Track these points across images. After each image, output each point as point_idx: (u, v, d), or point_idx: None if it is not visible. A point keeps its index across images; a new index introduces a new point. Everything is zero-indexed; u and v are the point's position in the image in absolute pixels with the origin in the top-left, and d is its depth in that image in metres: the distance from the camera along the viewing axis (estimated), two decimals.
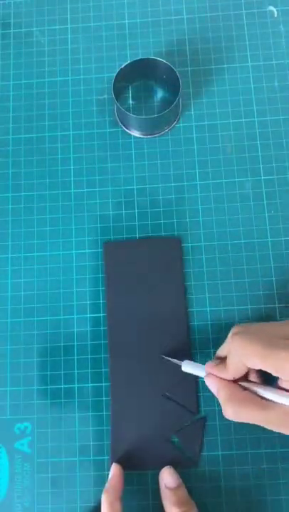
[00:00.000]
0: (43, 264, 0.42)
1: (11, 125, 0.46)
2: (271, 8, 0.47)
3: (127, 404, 0.38)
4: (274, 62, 0.45)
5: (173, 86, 0.44)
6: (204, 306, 0.40)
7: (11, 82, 0.47)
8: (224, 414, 0.32)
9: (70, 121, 0.45)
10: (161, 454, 0.37)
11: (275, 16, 0.47)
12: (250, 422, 0.31)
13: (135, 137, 0.44)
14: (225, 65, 0.46)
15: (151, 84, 0.46)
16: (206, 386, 0.39)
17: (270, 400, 0.31)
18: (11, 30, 0.48)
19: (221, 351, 0.35)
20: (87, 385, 0.40)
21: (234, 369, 0.32)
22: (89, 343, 0.40)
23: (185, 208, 0.42)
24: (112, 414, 0.38)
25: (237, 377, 0.33)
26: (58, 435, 0.39)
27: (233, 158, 0.43)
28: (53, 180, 0.44)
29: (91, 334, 0.40)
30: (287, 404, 0.31)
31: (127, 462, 0.37)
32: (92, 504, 0.37)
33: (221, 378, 0.33)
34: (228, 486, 0.37)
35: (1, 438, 0.39)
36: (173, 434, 0.38)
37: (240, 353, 0.31)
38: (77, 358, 0.40)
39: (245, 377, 0.33)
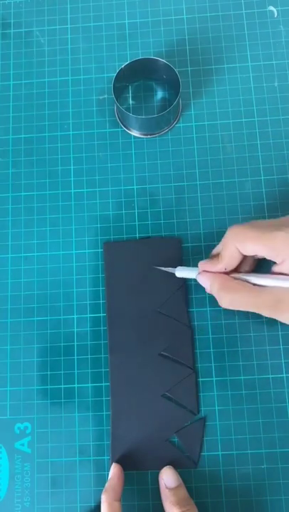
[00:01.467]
0: (43, 264, 0.42)
1: (11, 125, 0.46)
2: (271, 8, 0.47)
3: (127, 404, 0.38)
4: (274, 62, 0.45)
5: (173, 86, 0.44)
6: (204, 306, 0.40)
7: (11, 82, 0.47)
8: (220, 304, 0.34)
9: (70, 121, 0.45)
10: (161, 454, 0.38)
11: (275, 16, 0.47)
12: (244, 308, 0.33)
13: (135, 137, 0.44)
14: (225, 65, 0.46)
15: (151, 84, 0.46)
16: (206, 386, 0.39)
17: (263, 286, 0.33)
18: (11, 30, 0.48)
19: (216, 250, 0.37)
20: (87, 385, 0.40)
21: (228, 258, 0.34)
22: (89, 343, 0.40)
23: (185, 208, 0.42)
24: (112, 414, 0.38)
25: (229, 268, 0.35)
26: (58, 435, 0.39)
27: (233, 158, 0.43)
28: (53, 180, 0.44)
29: (91, 334, 0.40)
30: (282, 285, 0.32)
31: (127, 462, 0.38)
32: (93, 504, 0.37)
33: (213, 273, 0.35)
34: (228, 486, 0.37)
35: (1, 438, 0.39)
36: (173, 434, 0.38)
37: (237, 238, 0.33)
38: (77, 358, 0.40)
39: (236, 271, 0.35)
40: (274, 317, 0.33)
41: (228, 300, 0.34)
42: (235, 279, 0.35)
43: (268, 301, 0.32)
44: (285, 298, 0.32)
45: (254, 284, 0.34)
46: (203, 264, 0.36)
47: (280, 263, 0.33)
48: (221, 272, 0.35)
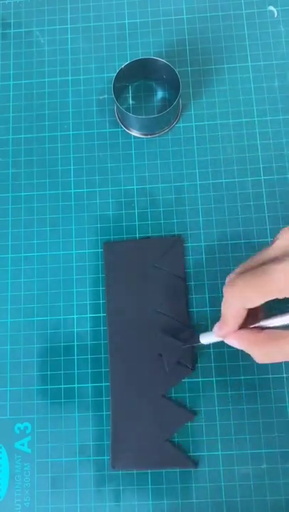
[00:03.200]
0: (43, 264, 0.42)
1: (11, 125, 0.46)
2: (271, 8, 0.47)
3: (127, 404, 0.38)
4: (274, 62, 0.45)
5: (173, 86, 0.44)
6: (204, 306, 0.40)
7: (11, 82, 0.47)
8: (256, 360, 0.31)
9: (70, 121, 0.45)
10: (161, 454, 0.37)
11: (275, 16, 0.47)
12: (281, 358, 0.30)
13: (135, 137, 0.44)
14: (225, 65, 0.46)
15: (151, 84, 0.46)
16: (206, 386, 0.39)
17: None
18: (11, 30, 0.48)
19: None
20: (87, 385, 0.40)
21: (233, 318, 0.31)
22: (89, 343, 0.40)
23: (185, 207, 0.42)
24: (112, 414, 0.38)
25: (238, 325, 0.31)
26: (58, 435, 0.39)
27: (233, 158, 0.43)
28: (53, 180, 0.44)
29: (91, 334, 0.40)
30: None
31: (127, 462, 0.38)
32: (93, 504, 0.37)
33: (237, 331, 0.32)
34: (228, 486, 0.37)
35: (1, 438, 0.39)
36: (173, 434, 0.38)
37: (238, 297, 0.30)
38: (77, 358, 0.40)
39: (251, 321, 0.32)
40: None
41: (260, 355, 0.30)
42: (260, 328, 0.31)
43: None
44: None
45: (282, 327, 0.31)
46: (218, 329, 0.33)
47: None
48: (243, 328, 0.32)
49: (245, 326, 0.32)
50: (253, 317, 0.32)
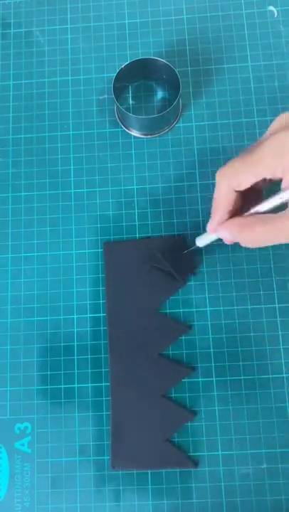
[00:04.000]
0: (43, 264, 0.42)
1: (11, 125, 0.46)
2: (271, 8, 0.47)
3: (127, 405, 0.38)
4: (274, 62, 0.45)
5: (173, 86, 0.44)
6: (204, 306, 0.40)
7: (11, 82, 0.47)
8: (248, 246, 0.31)
9: (70, 121, 0.45)
10: (161, 454, 0.38)
11: (275, 16, 0.47)
12: (272, 240, 0.30)
13: (135, 137, 0.44)
14: (225, 65, 0.46)
15: (151, 84, 0.46)
16: (206, 386, 0.39)
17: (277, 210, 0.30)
18: (11, 30, 0.48)
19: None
20: (87, 385, 0.40)
21: (224, 199, 0.31)
22: (89, 343, 0.40)
23: (185, 207, 0.42)
24: (112, 414, 0.38)
25: (229, 208, 0.32)
26: (58, 435, 0.39)
27: (233, 158, 0.43)
28: (53, 180, 0.44)
29: (91, 334, 0.40)
30: None
31: (127, 462, 0.38)
32: (92, 504, 0.37)
33: (227, 221, 0.32)
34: (228, 486, 0.37)
35: (1, 438, 0.39)
36: (173, 434, 0.38)
37: (226, 177, 0.30)
38: (77, 358, 0.40)
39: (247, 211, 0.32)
40: None
41: (251, 239, 0.31)
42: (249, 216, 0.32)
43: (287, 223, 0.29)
44: None
45: (272, 212, 0.31)
46: (209, 223, 0.34)
47: (284, 176, 0.29)
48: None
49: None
50: (247, 210, 0.32)
